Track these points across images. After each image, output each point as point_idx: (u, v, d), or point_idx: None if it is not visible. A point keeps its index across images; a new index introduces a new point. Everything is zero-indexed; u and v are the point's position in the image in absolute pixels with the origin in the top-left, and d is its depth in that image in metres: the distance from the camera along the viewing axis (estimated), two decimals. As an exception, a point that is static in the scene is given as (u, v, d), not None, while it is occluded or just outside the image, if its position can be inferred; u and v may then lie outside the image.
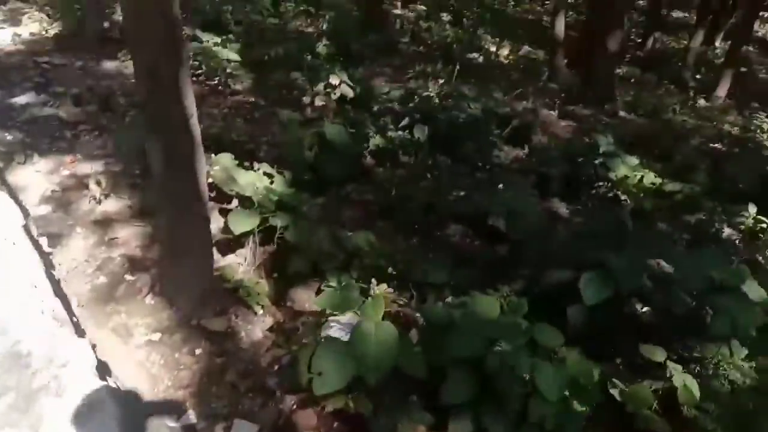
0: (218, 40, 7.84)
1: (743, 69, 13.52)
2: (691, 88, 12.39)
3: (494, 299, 3.52)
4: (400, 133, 6.36)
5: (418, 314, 3.28)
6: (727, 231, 5.56)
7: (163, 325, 3.74)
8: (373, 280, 3.14)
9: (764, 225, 5.44)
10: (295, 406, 3.30)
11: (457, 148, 6.31)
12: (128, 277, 4.06)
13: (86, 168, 5.11)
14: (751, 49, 17.27)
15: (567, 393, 2.76)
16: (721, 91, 12.75)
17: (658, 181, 6.07)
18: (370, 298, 2.90)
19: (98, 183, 4.81)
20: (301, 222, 4.14)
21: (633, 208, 5.84)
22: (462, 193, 5.09)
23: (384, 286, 3.00)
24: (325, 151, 5.02)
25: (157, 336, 3.68)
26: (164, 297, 3.91)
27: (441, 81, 8.53)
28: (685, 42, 18.16)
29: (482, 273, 4.14)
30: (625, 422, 2.92)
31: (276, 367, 3.59)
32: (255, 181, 4.48)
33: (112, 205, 4.71)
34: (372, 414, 2.84)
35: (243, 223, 3.97)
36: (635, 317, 3.35)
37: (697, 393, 2.74)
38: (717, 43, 17.27)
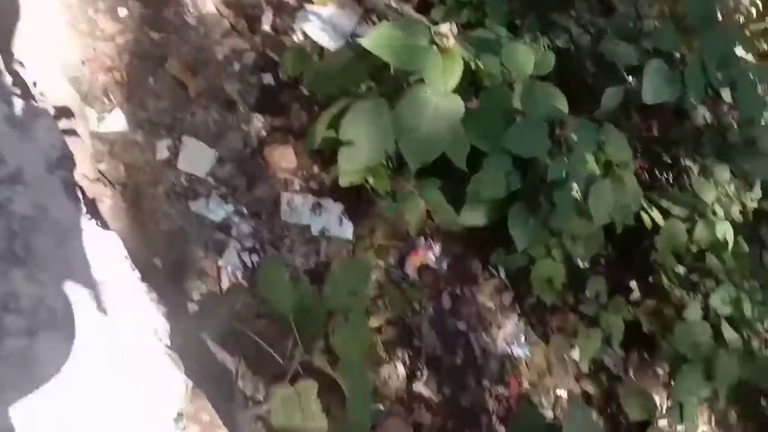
0: None
1: None
2: None
3: (530, 50, 2.77)
4: None
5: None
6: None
7: (63, -46, 2.41)
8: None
9: None
10: (265, 134, 2.51)
11: None
12: None
13: None
14: None
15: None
16: None
17: None
18: (437, 47, 1.98)
19: None
20: None
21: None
22: None
23: (448, 26, 2.05)
24: None
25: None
26: None
27: None
28: None
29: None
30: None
31: (236, 66, 2.61)
32: None
33: None
34: (385, 194, 2.22)
35: None
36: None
37: (731, 241, 2.54)
38: None
